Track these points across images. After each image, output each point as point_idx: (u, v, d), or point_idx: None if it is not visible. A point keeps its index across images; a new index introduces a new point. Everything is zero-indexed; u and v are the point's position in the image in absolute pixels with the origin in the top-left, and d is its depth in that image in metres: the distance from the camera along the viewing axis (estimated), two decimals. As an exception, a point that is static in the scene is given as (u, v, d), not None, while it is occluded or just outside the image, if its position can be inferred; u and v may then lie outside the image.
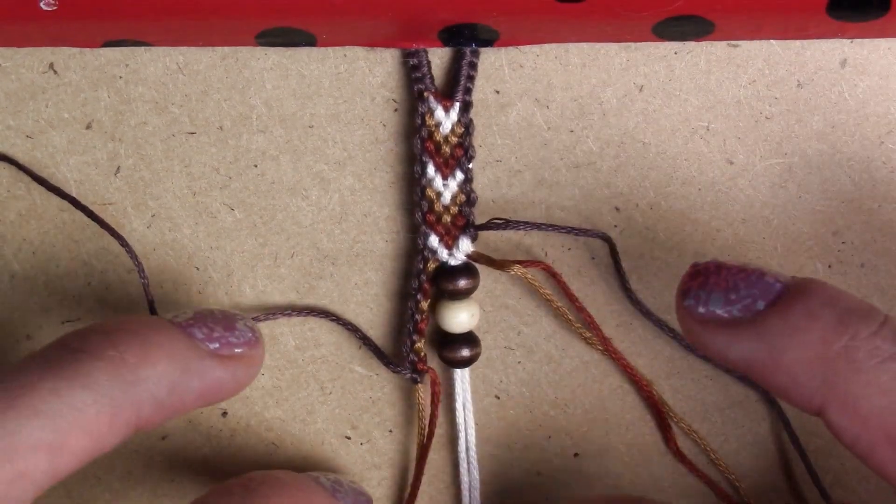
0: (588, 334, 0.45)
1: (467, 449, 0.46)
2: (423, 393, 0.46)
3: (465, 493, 0.46)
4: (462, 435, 0.46)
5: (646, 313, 0.45)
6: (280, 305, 0.46)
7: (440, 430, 0.47)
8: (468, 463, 0.46)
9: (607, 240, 0.45)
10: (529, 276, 0.45)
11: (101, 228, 0.45)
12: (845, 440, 0.38)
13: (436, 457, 0.47)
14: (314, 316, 0.45)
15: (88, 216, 0.44)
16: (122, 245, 0.44)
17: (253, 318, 0.44)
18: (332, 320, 0.45)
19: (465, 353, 0.45)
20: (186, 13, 0.42)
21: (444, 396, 0.46)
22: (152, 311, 0.44)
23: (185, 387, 0.39)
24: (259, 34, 0.43)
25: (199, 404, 0.40)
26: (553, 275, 0.45)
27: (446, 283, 0.44)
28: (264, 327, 0.46)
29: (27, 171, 0.45)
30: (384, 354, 0.46)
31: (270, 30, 0.43)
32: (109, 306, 0.46)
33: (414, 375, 0.45)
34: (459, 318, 0.45)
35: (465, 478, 0.46)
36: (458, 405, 0.46)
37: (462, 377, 0.46)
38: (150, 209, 0.45)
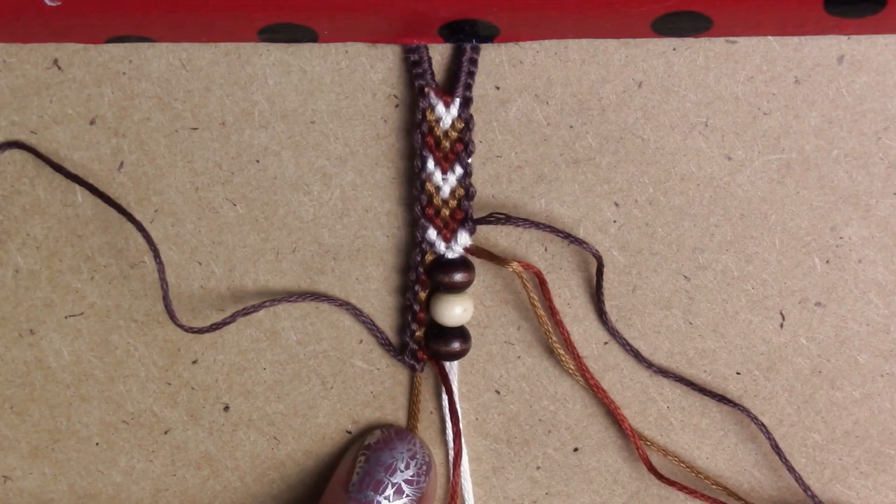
0: (562, 352, 0.45)
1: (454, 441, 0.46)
2: (422, 383, 0.46)
3: (464, 486, 0.47)
4: (450, 427, 0.46)
5: (613, 334, 0.46)
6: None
7: (435, 425, 0.47)
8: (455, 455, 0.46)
9: (598, 258, 0.45)
10: (525, 276, 0.45)
11: (109, 221, 0.45)
12: None
13: (432, 451, 0.47)
14: (321, 301, 0.46)
15: (107, 202, 0.45)
16: (138, 229, 0.44)
17: (261, 304, 0.44)
18: (338, 305, 0.46)
19: (456, 346, 0.45)
20: (189, 9, 0.42)
21: (435, 389, 0.47)
22: (166, 298, 0.44)
23: None
24: (261, 30, 0.43)
25: None
26: (541, 282, 0.45)
27: (442, 276, 0.45)
28: (265, 321, 0.46)
29: (45, 158, 0.45)
30: (387, 339, 0.46)
31: (272, 26, 0.43)
32: (113, 302, 0.46)
33: (414, 363, 0.46)
34: (453, 311, 0.45)
35: (451, 470, 0.46)
36: (445, 398, 0.46)
37: (450, 370, 0.46)
38: (153, 204, 0.45)
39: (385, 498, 0.44)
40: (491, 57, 0.44)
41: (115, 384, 0.47)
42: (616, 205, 0.45)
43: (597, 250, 0.45)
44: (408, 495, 0.44)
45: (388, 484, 0.44)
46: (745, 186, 0.45)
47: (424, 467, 0.45)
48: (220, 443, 0.47)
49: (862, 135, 0.44)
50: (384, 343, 0.46)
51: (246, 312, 0.45)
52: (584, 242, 0.45)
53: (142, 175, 0.45)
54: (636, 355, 0.46)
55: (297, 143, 0.45)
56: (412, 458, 0.45)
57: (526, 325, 0.46)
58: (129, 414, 0.47)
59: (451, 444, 0.47)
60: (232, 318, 0.45)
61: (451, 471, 0.46)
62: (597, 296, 0.45)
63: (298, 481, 0.47)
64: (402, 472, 0.44)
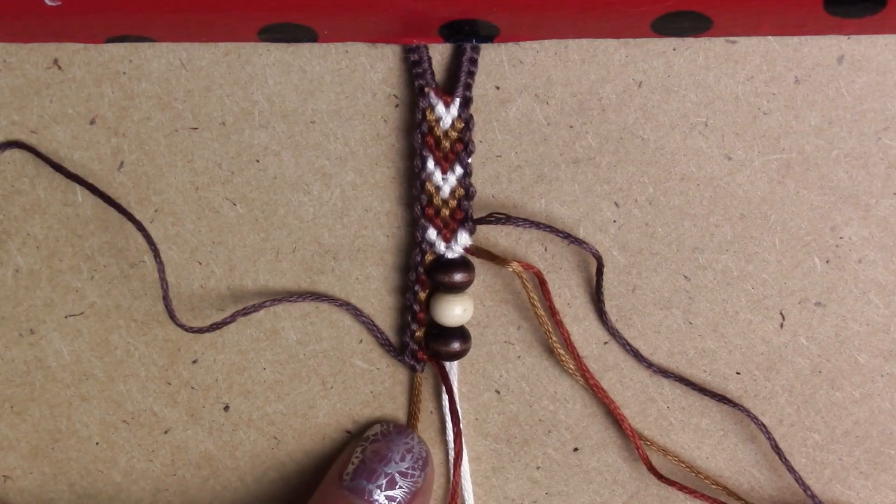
0: (562, 352, 0.46)
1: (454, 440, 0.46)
2: (422, 383, 0.46)
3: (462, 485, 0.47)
4: (450, 428, 0.46)
5: (613, 334, 0.46)
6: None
7: (435, 425, 0.47)
8: (456, 455, 0.47)
9: (598, 258, 0.45)
10: (525, 276, 0.45)
11: (109, 221, 0.45)
12: None
13: (432, 451, 0.47)
14: (321, 301, 0.46)
15: (107, 202, 0.45)
16: (138, 229, 0.45)
17: (261, 304, 0.45)
18: (338, 305, 0.46)
19: (456, 346, 0.45)
20: (189, 9, 0.42)
21: (435, 389, 0.47)
22: (166, 297, 0.44)
23: None
24: (261, 30, 0.43)
25: None
26: (541, 282, 0.45)
27: (442, 276, 0.45)
28: (265, 320, 0.46)
29: (45, 158, 0.45)
30: (387, 338, 0.46)
31: (272, 26, 0.43)
32: (113, 301, 0.46)
33: (414, 363, 0.46)
34: (453, 311, 0.45)
35: (452, 470, 0.47)
36: (445, 398, 0.46)
37: (450, 370, 0.46)
38: (153, 204, 0.45)
39: (377, 487, 0.44)
40: (491, 57, 0.44)
41: (115, 384, 0.47)
42: (616, 205, 0.45)
43: (597, 250, 0.45)
44: (401, 487, 0.44)
45: (381, 473, 0.44)
46: (745, 186, 0.45)
47: (420, 462, 0.45)
48: (220, 442, 0.47)
49: (862, 135, 0.44)
50: (384, 343, 0.46)
51: (246, 312, 0.45)
52: (584, 242, 0.45)
53: (142, 175, 0.45)
54: (636, 355, 0.46)
55: (297, 143, 0.45)
56: (408, 451, 0.45)
57: (526, 325, 0.46)
58: (129, 413, 0.47)
59: (451, 445, 0.47)
60: (232, 318, 0.45)
61: (452, 471, 0.46)
62: (597, 296, 0.45)
63: (298, 481, 0.47)
64: (396, 463, 0.44)
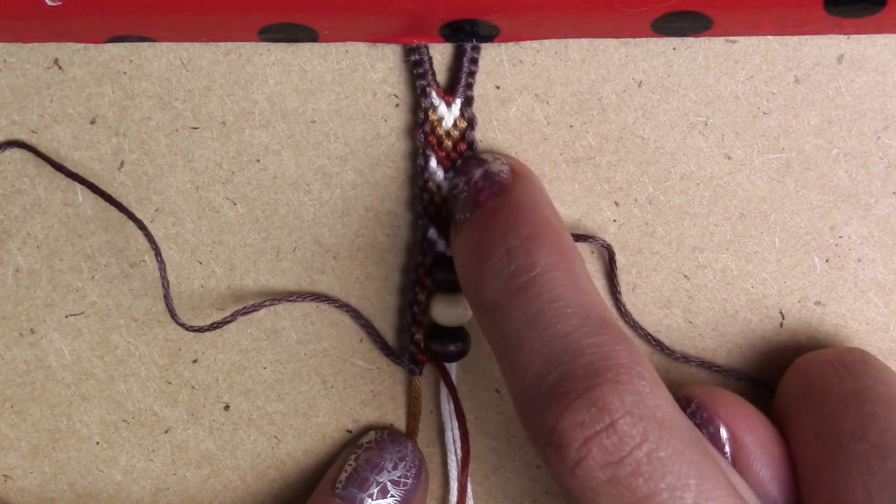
0: None
1: (454, 441, 0.46)
2: (422, 384, 0.47)
3: (452, 485, 0.47)
4: (449, 428, 0.47)
5: (633, 325, 0.46)
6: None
7: (434, 424, 0.47)
8: (455, 455, 0.47)
9: (608, 248, 0.45)
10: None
11: (109, 221, 0.45)
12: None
13: (432, 451, 0.47)
14: (319, 301, 0.46)
15: (108, 201, 0.45)
16: (139, 228, 0.45)
17: (261, 303, 0.45)
18: (338, 306, 0.46)
19: (453, 347, 0.45)
20: (190, 9, 0.42)
21: (435, 388, 0.47)
22: (167, 296, 0.44)
23: None
24: (262, 30, 0.43)
25: None
26: None
27: (441, 275, 0.45)
28: (266, 320, 0.46)
29: (45, 157, 0.45)
30: (385, 342, 0.46)
31: (273, 25, 0.43)
32: (113, 301, 0.46)
33: (412, 367, 0.46)
34: (453, 311, 0.45)
35: (452, 472, 0.47)
36: (444, 398, 0.46)
37: (450, 370, 0.46)
38: (154, 204, 0.45)
39: (369, 496, 0.44)
40: (491, 56, 0.44)
41: (116, 383, 0.47)
42: (616, 204, 0.45)
43: (605, 241, 0.45)
44: (392, 496, 0.44)
45: (373, 482, 0.44)
46: (744, 186, 0.45)
47: (413, 470, 0.45)
48: (221, 442, 0.47)
49: (861, 134, 0.44)
50: (383, 348, 0.46)
51: (246, 311, 0.45)
52: (591, 237, 0.45)
53: (142, 174, 0.45)
54: (658, 345, 0.45)
55: (298, 143, 0.45)
56: (401, 459, 0.45)
57: (526, 324, 0.46)
58: (129, 413, 0.47)
59: (450, 445, 0.47)
60: (232, 318, 0.45)
61: (460, 471, 0.46)
62: (612, 287, 0.45)
63: (299, 480, 0.47)
64: (388, 472, 0.44)
